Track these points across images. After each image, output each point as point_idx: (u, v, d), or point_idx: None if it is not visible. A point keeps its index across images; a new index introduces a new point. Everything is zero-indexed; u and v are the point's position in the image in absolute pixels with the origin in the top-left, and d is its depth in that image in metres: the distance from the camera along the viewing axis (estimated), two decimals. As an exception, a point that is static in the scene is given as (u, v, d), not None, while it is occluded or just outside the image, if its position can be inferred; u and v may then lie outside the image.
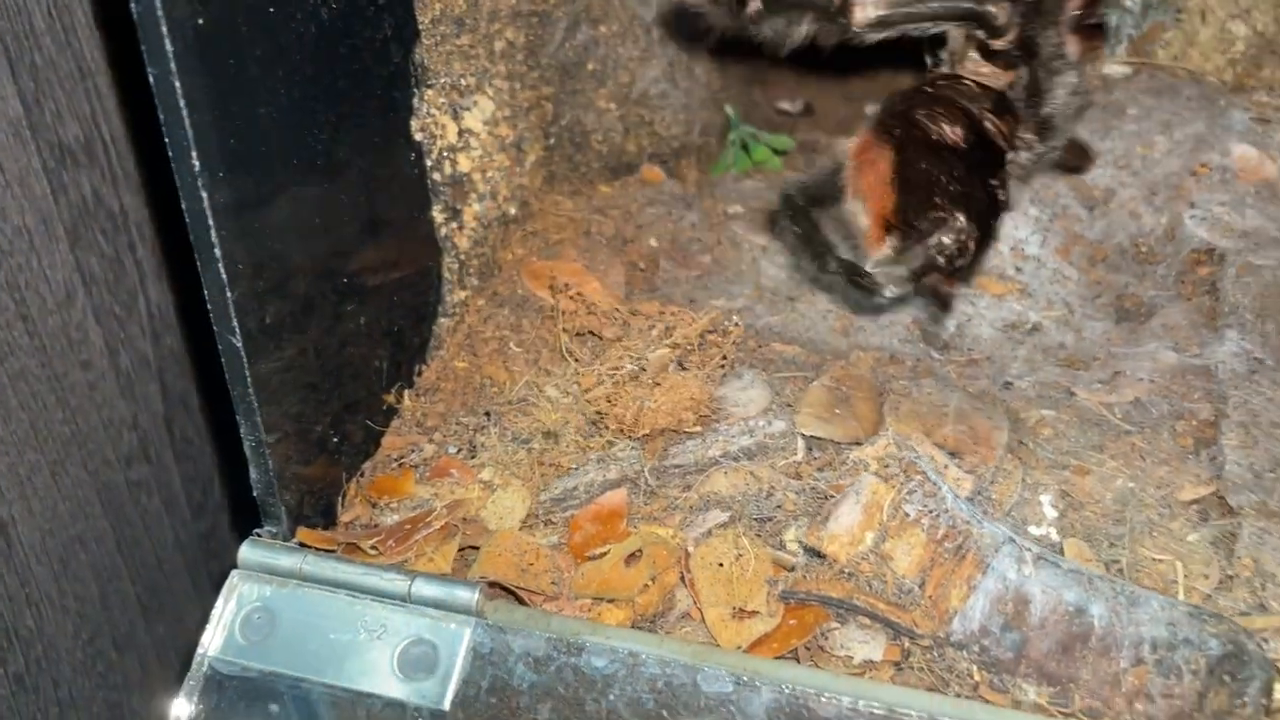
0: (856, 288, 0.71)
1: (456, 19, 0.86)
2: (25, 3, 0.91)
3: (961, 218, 0.66)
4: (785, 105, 1.51)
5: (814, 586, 0.65)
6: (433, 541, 0.72)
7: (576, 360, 0.84)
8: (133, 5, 0.55)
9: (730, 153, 1.23)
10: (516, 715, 0.63)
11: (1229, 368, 0.82)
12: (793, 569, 0.68)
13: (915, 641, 0.63)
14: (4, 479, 0.95)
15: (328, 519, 0.77)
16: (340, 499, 0.78)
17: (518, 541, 0.72)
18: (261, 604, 0.69)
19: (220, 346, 0.65)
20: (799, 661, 0.65)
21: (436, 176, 0.86)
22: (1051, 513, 0.74)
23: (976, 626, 0.62)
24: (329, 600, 0.69)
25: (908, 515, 0.65)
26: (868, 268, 0.63)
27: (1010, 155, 0.74)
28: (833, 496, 0.70)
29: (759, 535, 0.71)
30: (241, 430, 0.68)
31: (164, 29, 0.55)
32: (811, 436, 0.77)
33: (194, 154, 0.58)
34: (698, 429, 0.78)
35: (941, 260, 0.66)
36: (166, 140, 0.58)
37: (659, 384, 0.79)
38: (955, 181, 0.67)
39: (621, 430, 0.78)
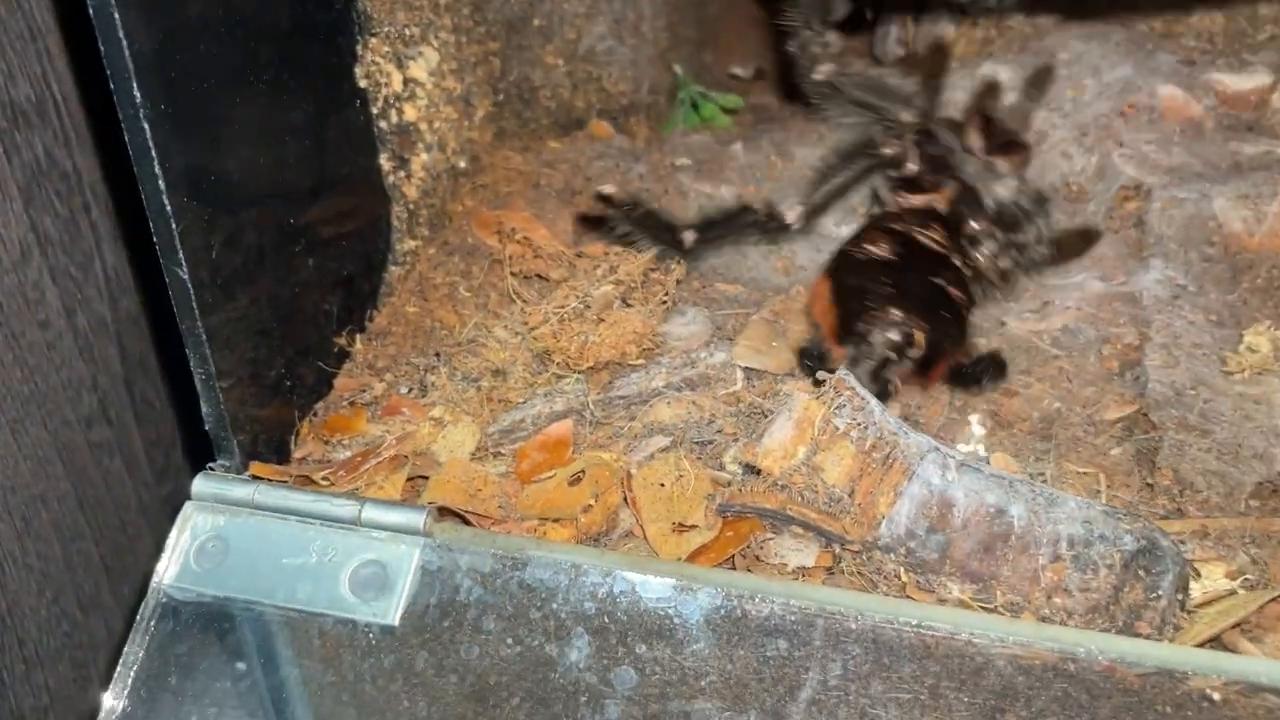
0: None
1: (399, -30, 0.88)
2: (-27, -36, 0.92)
3: (896, 312, 0.74)
4: (737, 70, 1.54)
5: (749, 499, 0.68)
6: (382, 471, 0.74)
7: (524, 301, 0.86)
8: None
9: (680, 111, 1.25)
10: (463, 627, 0.65)
11: (1153, 294, 0.85)
12: (728, 485, 0.70)
13: (846, 547, 0.66)
14: (-37, 436, 0.96)
15: (281, 456, 0.79)
16: (294, 437, 0.80)
17: (466, 469, 0.74)
18: (215, 533, 0.71)
19: (168, 279, 0.67)
20: (735, 570, 0.67)
21: (383, 125, 0.88)
22: (979, 431, 0.76)
23: (903, 530, 0.65)
24: (281, 527, 0.70)
25: (837, 429, 0.68)
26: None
27: (958, 259, 0.81)
28: (769, 416, 0.72)
29: (699, 458, 0.74)
30: (191, 364, 0.70)
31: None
32: (747, 368, 0.79)
33: (135, 86, 0.60)
34: (641, 362, 0.81)
35: (893, 354, 0.73)
36: (112, 88, 0.60)
37: (603, 319, 0.81)
38: (886, 285, 0.76)
39: (567, 364, 0.80)
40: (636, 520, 0.70)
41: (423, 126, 0.92)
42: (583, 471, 0.72)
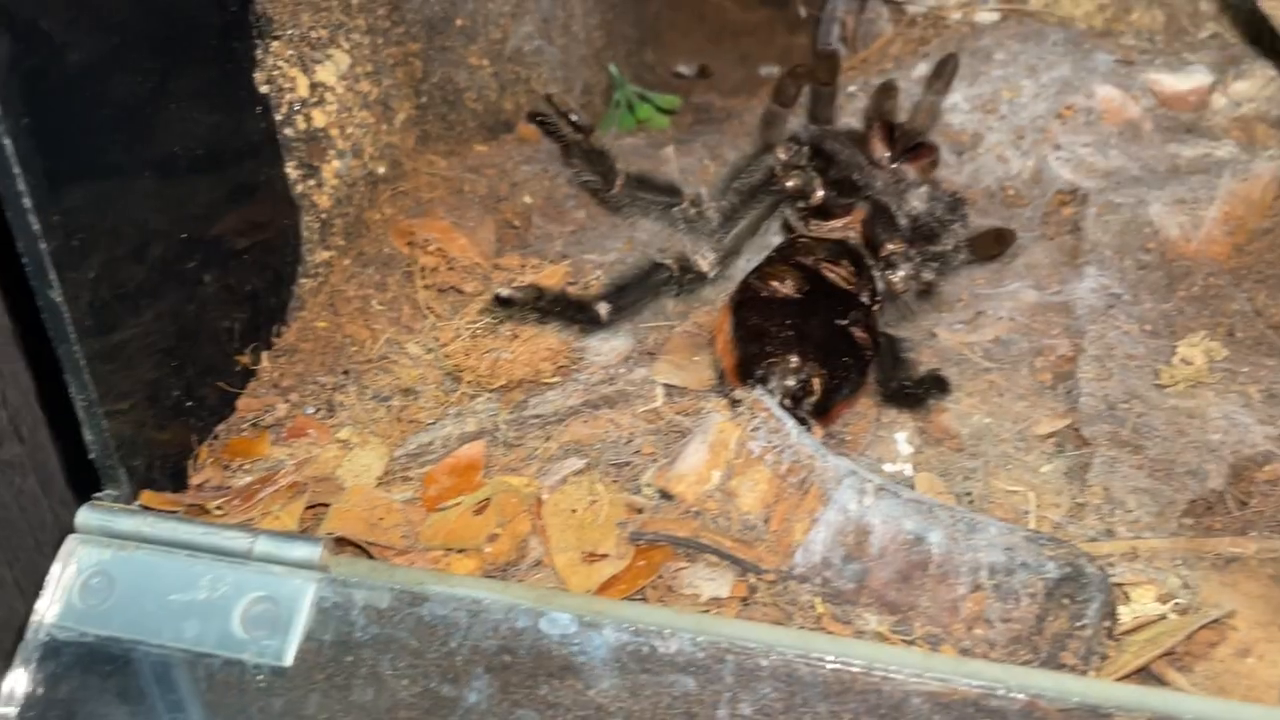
0: None
1: (304, -30, 0.84)
2: None
3: (794, 359, 0.71)
4: (682, 69, 1.51)
5: (661, 527, 0.65)
6: (279, 500, 0.71)
7: (437, 316, 0.83)
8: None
9: (615, 113, 1.22)
10: (359, 668, 0.62)
11: (1087, 303, 0.82)
12: (641, 511, 0.67)
13: (760, 577, 0.63)
14: None
15: (178, 483, 0.75)
16: (191, 462, 0.76)
17: (368, 497, 0.71)
18: (99, 568, 0.67)
19: (39, 303, 0.63)
20: (646, 602, 0.64)
21: (288, 132, 0.84)
22: (906, 449, 0.74)
23: (819, 559, 0.62)
24: (170, 561, 0.66)
25: (752, 452, 0.65)
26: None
27: (867, 296, 0.79)
28: (686, 438, 0.69)
29: (615, 480, 0.71)
30: (71, 390, 0.66)
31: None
32: (668, 384, 0.76)
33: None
34: (557, 379, 0.77)
35: (789, 400, 0.70)
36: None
37: (517, 335, 0.78)
38: (786, 328, 0.73)
39: (478, 383, 0.77)
40: (546, 550, 0.67)
41: (334, 132, 0.88)
42: (488, 499, 0.69)
